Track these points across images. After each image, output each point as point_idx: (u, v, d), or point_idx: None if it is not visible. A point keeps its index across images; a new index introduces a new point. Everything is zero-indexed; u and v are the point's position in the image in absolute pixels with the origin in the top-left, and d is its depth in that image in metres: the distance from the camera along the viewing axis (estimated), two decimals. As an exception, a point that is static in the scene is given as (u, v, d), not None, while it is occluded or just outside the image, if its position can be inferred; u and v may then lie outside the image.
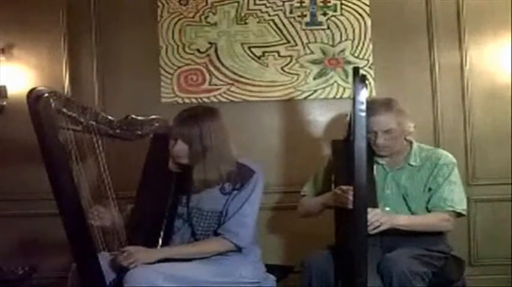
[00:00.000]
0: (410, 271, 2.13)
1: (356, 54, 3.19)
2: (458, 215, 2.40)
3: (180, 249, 2.25)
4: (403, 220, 2.32)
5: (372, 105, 2.29)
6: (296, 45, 3.21)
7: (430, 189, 2.41)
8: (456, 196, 2.38)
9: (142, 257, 2.13)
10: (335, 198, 2.34)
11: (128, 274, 2.06)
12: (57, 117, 2.04)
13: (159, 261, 2.19)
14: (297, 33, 3.21)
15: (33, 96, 1.99)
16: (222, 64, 3.21)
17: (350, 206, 2.22)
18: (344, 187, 2.29)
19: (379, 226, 2.21)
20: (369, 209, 2.16)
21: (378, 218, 2.21)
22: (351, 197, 2.20)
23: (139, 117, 2.38)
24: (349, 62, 3.18)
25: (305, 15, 3.21)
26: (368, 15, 3.19)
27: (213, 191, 2.27)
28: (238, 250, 2.26)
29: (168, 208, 2.30)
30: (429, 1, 3.18)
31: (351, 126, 2.23)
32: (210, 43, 3.22)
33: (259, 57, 3.21)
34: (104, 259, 2.18)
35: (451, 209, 2.36)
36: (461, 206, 2.38)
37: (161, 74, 3.21)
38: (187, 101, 3.19)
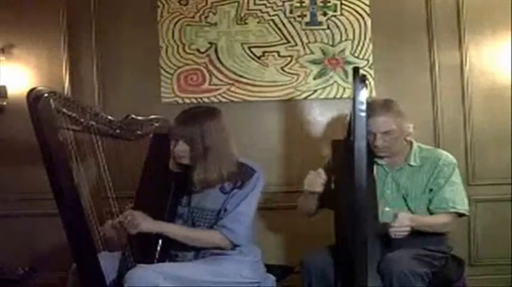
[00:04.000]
0: (410, 271, 2.13)
1: (356, 54, 3.19)
2: (461, 215, 2.41)
3: (178, 228, 2.26)
4: (425, 220, 2.35)
5: (371, 107, 2.29)
6: (296, 45, 3.21)
7: (431, 190, 2.41)
8: (458, 197, 2.38)
9: (145, 224, 2.17)
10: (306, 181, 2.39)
11: (128, 274, 2.07)
12: (57, 117, 2.04)
13: (159, 260, 2.20)
14: (297, 33, 3.21)
15: (33, 96, 1.99)
16: (222, 64, 3.21)
17: (318, 189, 2.34)
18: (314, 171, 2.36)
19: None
20: (400, 214, 2.22)
21: (404, 223, 2.23)
22: (318, 179, 2.32)
23: (139, 117, 2.39)
24: (349, 62, 3.18)
25: (305, 15, 3.21)
26: (368, 15, 3.19)
27: (214, 191, 2.28)
28: (234, 247, 2.26)
29: (168, 208, 2.30)
30: (429, 1, 3.18)
31: (351, 126, 2.23)
32: (210, 43, 3.22)
33: (259, 57, 3.21)
34: (104, 259, 2.18)
35: (453, 210, 2.37)
36: (464, 206, 2.39)
37: (161, 74, 3.21)
38: (187, 101, 3.19)
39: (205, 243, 2.25)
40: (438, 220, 2.38)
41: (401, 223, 2.21)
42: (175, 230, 2.25)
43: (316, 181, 2.36)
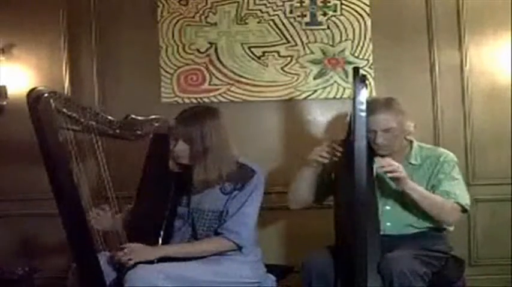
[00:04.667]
0: (410, 271, 2.13)
1: (356, 54, 3.19)
2: (462, 210, 2.40)
3: (181, 247, 2.25)
4: (418, 187, 2.32)
5: (372, 105, 2.29)
6: (296, 45, 3.21)
7: (432, 186, 2.41)
8: (458, 191, 2.38)
9: (142, 255, 2.14)
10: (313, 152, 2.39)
11: (128, 273, 2.07)
12: (57, 117, 2.05)
13: (159, 260, 2.19)
14: (297, 33, 3.21)
15: (33, 96, 1.99)
16: (222, 64, 3.21)
17: (325, 160, 2.33)
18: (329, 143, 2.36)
19: (392, 172, 2.25)
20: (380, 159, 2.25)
21: (392, 163, 2.25)
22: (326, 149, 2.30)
23: (139, 117, 2.39)
24: (349, 62, 3.18)
25: (305, 15, 3.21)
26: (368, 15, 3.19)
27: (214, 191, 2.28)
28: (239, 249, 2.27)
29: (168, 208, 2.30)
30: (429, 1, 3.17)
31: (351, 126, 2.23)
32: (210, 43, 3.21)
33: (259, 57, 3.21)
34: (104, 259, 2.18)
35: (454, 201, 2.35)
36: (465, 200, 2.38)
37: (161, 74, 3.21)
38: (187, 101, 3.19)
39: (212, 252, 2.25)
40: (434, 197, 2.34)
41: (386, 161, 2.24)
42: (180, 249, 2.24)
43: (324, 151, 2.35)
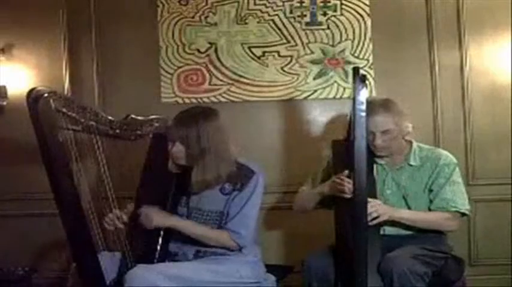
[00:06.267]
0: (410, 271, 2.13)
1: (356, 54, 3.19)
2: (462, 215, 2.40)
3: (192, 225, 2.27)
4: (405, 214, 2.36)
5: (370, 106, 2.28)
6: (296, 45, 3.21)
7: (431, 190, 2.41)
8: (459, 197, 2.38)
9: (159, 219, 2.21)
10: (332, 186, 2.36)
11: (128, 274, 2.07)
12: (57, 117, 2.04)
13: (159, 261, 2.21)
14: (297, 33, 3.21)
15: (33, 96, 1.99)
16: (222, 64, 3.21)
17: (347, 196, 2.26)
18: (342, 176, 2.31)
19: (377, 217, 2.25)
20: (368, 200, 2.18)
21: (377, 209, 2.25)
22: (349, 186, 2.23)
23: (139, 117, 2.38)
24: (349, 62, 3.19)
25: (305, 15, 3.21)
26: (368, 15, 3.19)
27: (213, 192, 2.27)
28: (239, 250, 2.27)
29: (168, 208, 2.30)
30: (429, 1, 3.18)
31: (351, 126, 2.23)
32: (210, 43, 3.22)
33: (259, 57, 3.21)
34: (104, 259, 2.18)
35: (454, 209, 2.36)
36: (465, 206, 2.38)
37: (161, 74, 3.22)
38: (187, 101, 3.19)
39: (214, 242, 2.25)
40: (424, 217, 2.38)
41: (369, 210, 2.21)
42: (188, 225, 2.26)
43: (346, 187, 2.30)
